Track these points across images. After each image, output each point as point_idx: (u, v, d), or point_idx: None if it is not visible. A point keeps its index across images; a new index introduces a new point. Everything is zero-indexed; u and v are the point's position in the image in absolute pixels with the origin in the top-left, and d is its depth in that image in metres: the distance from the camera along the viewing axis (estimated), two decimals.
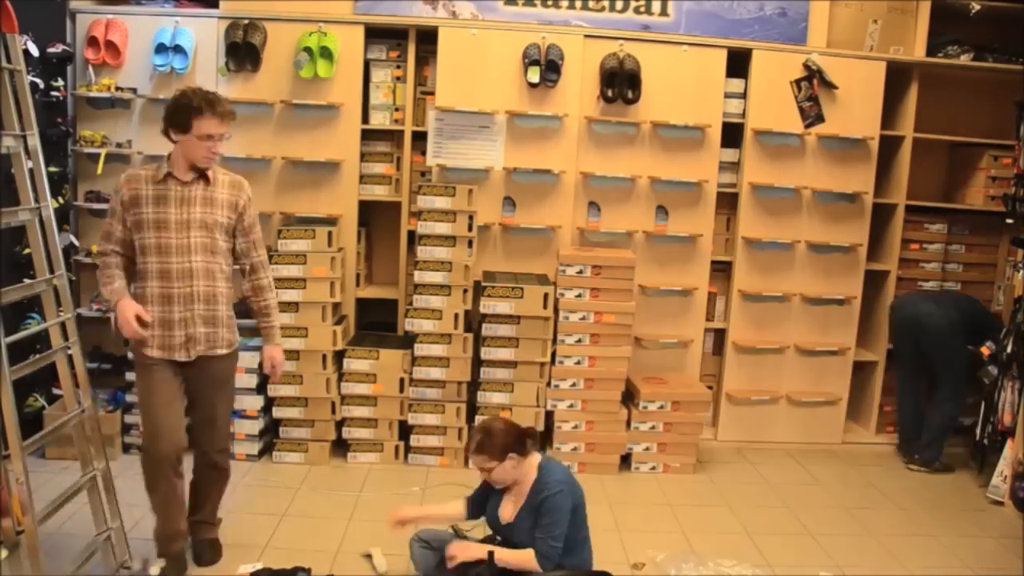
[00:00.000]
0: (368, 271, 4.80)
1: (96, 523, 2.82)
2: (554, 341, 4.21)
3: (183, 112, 2.81)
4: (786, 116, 4.57)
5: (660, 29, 4.52)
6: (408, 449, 4.23)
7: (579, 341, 4.21)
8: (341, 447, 4.23)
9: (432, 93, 4.47)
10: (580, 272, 4.19)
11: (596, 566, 2.86)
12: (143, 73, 4.37)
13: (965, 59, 4.69)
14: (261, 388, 4.16)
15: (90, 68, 4.32)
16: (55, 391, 4.00)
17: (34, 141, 2.67)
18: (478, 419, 4.17)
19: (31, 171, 2.65)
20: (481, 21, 4.47)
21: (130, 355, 3.79)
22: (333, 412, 4.17)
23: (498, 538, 2.88)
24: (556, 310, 4.18)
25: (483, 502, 2.94)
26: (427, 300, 4.14)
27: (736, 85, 4.57)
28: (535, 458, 2.81)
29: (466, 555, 2.72)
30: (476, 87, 4.41)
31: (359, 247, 4.57)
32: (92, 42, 4.29)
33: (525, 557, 2.69)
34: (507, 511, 2.83)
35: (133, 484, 3.69)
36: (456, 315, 4.14)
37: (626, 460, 4.30)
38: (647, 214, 4.60)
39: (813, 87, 4.55)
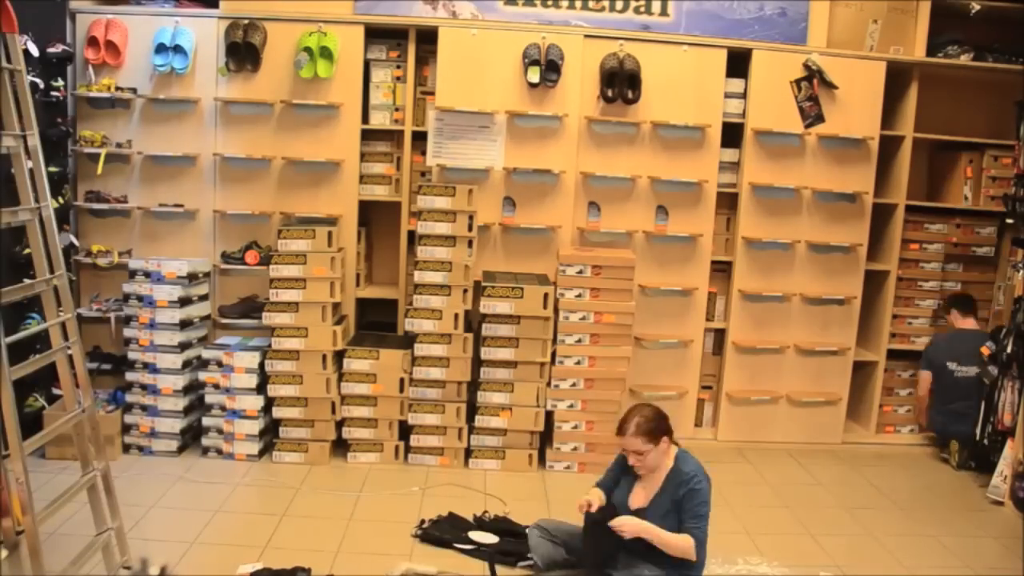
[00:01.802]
0: (368, 271, 4.80)
1: (96, 523, 2.82)
2: (554, 341, 4.21)
3: None
4: (786, 116, 4.57)
5: (660, 29, 4.52)
6: (408, 449, 4.22)
7: (579, 341, 4.20)
8: (341, 447, 4.23)
9: (432, 93, 4.47)
10: (580, 272, 4.19)
11: None
12: (143, 73, 4.38)
13: (965, 59, 4.70)
14: (261, 388, 4.16)
15: (90, 68, 4.32)
16: (55, 391, 4.00)
17: (34, 141, 2.66)
18: (478, 419, 4.18)
19: (31, 171, 2.65)
20: (481, 21, 4.47)
21: None
22: (333, 412, 4.16)
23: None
24: (556, 310, 4.18)
25: (613, 489, 2.94)
26: (427, 300, 4.14)
27: (736, 85, 4.57)
28: (675, 448, 2.84)
29: (633, 529, 2.72)
30: (476, 87, 4.41)
31: (359, 247, 4.57)
32: (92, 42, 4.29)
33: (685, 544, 2.69)
34: (638, 498, 2.84)
35: (133, 484, 3.73)
36: (456, 315, 4.14)
37: None
38: (647, 214, 4.60)
39: (813, 87, 4.55)
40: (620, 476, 2.94)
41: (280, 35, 4.38)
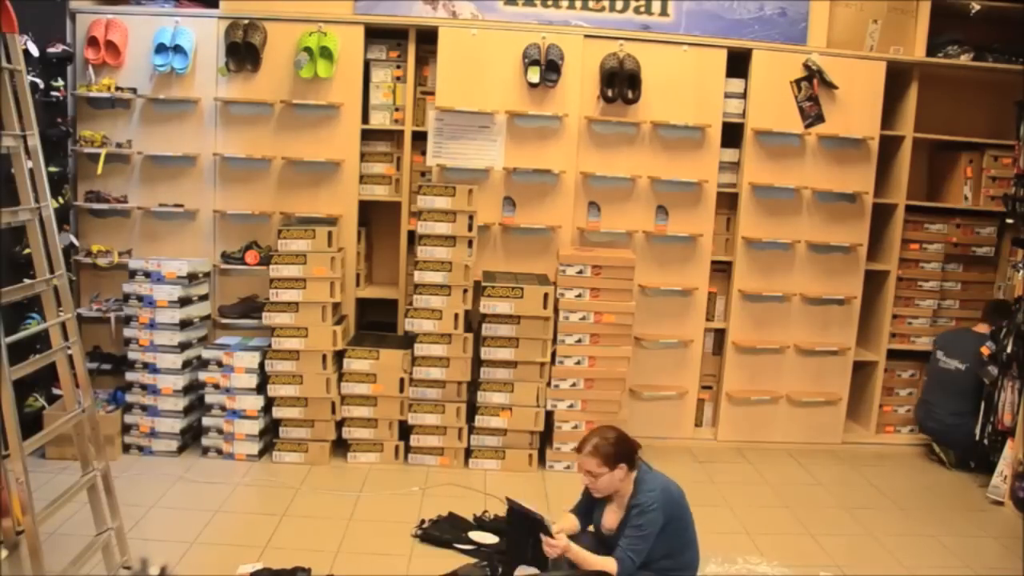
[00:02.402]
0: (368, 271, 4.80)
1: (96, 523, 2.82)
2: (554, 341, 4.21)
3: None
4: (786, 116, 4.57)
5: (660, 29, 4.52)
6: (408, 449, 4.22)
7: (579, 341, 4.20)
8: (341, 447, 4.23)
9: (432, 93, 4.47)
10: (580, 272, 4.19)
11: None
12: (143, 73, 4.38)
13: (965, 59, 4.69)
14: (261, 388, 4.16)
15: (90, 68, 4.32)
16: (55, 391, 4.00)
17: (34, 141, 2.67)
18: (478, 419, 4.18)
19: (31, 171, 2.65)
20: (481, 21, 4.47)
21: None
22: (333, 412, 4.17)
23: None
24: (556, 310, 4.18)
25: (588, 512, 2.91)
26: (427, 300, 4.14)
27: (736, 85, 4.57)
28: (634, 473, 2.78)
29: (555, 553, 2.71)
30: (476, 87, 4.41)
31: (359, 247, 4.57)
32: (92, 42, 4.29)
33: (604, 562, 2.65)
34: (610, 520, 2.81)
35: (133, 484, 3.73)
36: (456, 315, 4.14)
37: None
38: (647, 214, 4.60)
39: (813, 87, 4.55)
40: (592, 498, 2.89)
41: (280, 35, 4.38)
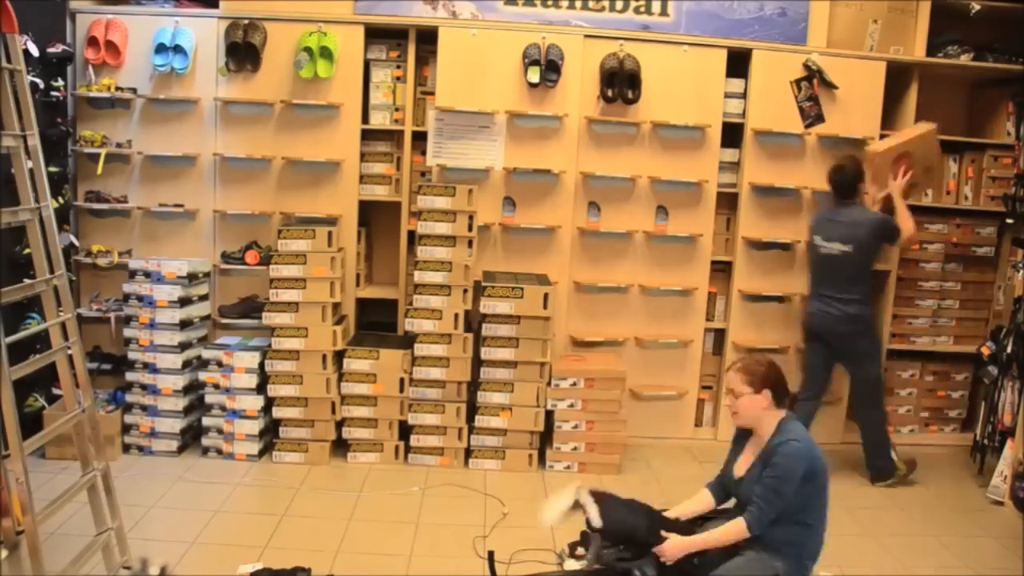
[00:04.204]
0: (368, 271, 4.80)
1: (96, 523, 2.82)
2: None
3: None
4: (786, 116, 4.57)
5: (660, 29, 4.52)
6: (408, 449, 4.22)
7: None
8: (341, 447, 4.23)
9: (432, 93, 4.47)
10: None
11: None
12: (143, 73, 4.38)
13: (965, 59, 4.69)
14: (261, 388, 4.16)
15: (90, 68, 4.32)
16: (55, 391, 4.00)
17: (34, 141, 2.66)
18: (478, 419, 4.18)
19: (31, 171, 2.65)
20: (481, 21, 4.47)
21: None
22: (333, 412, 4.17)
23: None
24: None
25: (723, 485, 2.73)
26: (427, 300, 4.14)
27: (736, 85, 4.57)
28: (781, 414, 2.58)
29: (673, 554, 2.46)
30: (476, 87, 4.41)
31: (359, 247, 4.57)
32: (92, 42, 4.29)
33: (736, 531, 2.45)
34: (740, 466, 2.62)
35: (133, 484, 3.72)
36: (456, 315, 4.14)
37: None
38: (647, 214, 4.60)
39: (813, 87, 4.55)
40: (737, 446, 2.70)
41: (280, 35, 4.38)
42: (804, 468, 2.45)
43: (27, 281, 2.76)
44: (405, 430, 4.23)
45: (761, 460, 2.53)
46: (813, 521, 2.54)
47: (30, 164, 2.64)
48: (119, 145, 4.37)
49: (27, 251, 3.32)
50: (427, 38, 4.44)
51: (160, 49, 4.29)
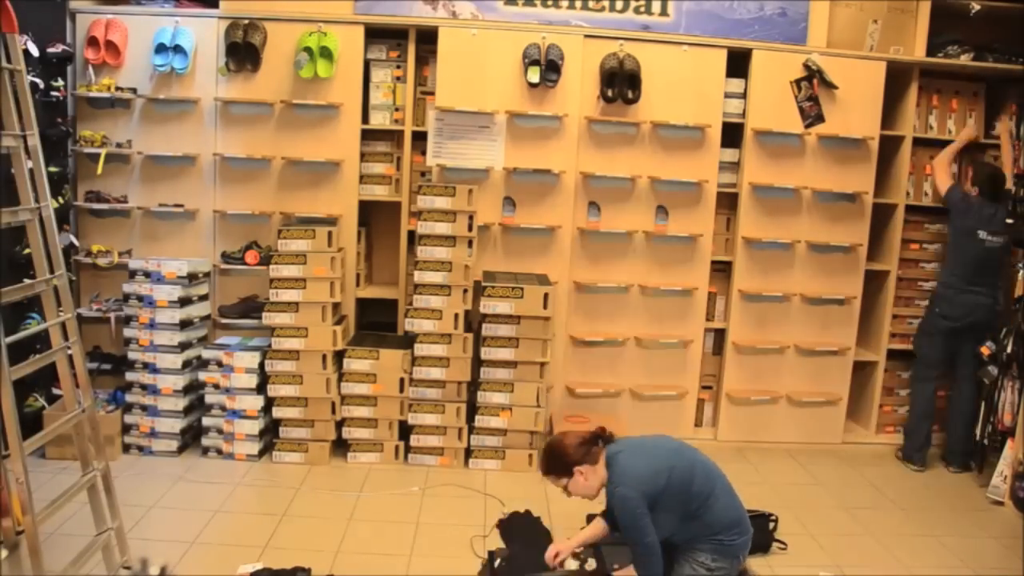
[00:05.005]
0: (368, 271, 4.80)
1: (96, 523, 2.82)
2: None
3: None
4: (786, 116, 4.57)
5: (660, 29, 4.52)
6: (408, 449, 4.22)
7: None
8: (341, 447, 4.23)
9: (432, 93, 4.47)
10: None
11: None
12: (143, 73, 4.38)
13: (965, 59, 4.69)
14: (261, 388, 4.16)
15: (90, 68, 4.32)
16: (55, 391, 4.00)
17: (34, 141, 2.67)
18: (478, 419, 4.18)
19: (31, 171, 2.65)
20: (481, 21, 4.47)
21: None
22: (333, 412, 4.16)
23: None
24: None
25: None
26: (427, 300, 4.14)
27: (736, 85, 4.57)
28: (602, 462, 2.68)
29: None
30: (476, 87, 4.41)
31: (359, 247, 4.57)
32: (92, 42, 4.29)
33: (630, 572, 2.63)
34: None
35: (133, 484, 3.72)
36: (456, 315, 4.14)
37: None
38: (647, 214, 4.60)
39: (813, 87, 4.55)
40: None
41: (280, 35, 4.38)
42: (642, 502, 2.55)
43: (27, 281, 2.76)
44: (405, 430, 4.23)
45: (609, 506, 2.69)
46: (698, 508, 2.62)
47: (30, 164, 2.65)
48: (119, 145, 4.37)
49: (27, 251, 3.32)
50: (427, 38, 4.44)
51: (160, 49, 4.29)
